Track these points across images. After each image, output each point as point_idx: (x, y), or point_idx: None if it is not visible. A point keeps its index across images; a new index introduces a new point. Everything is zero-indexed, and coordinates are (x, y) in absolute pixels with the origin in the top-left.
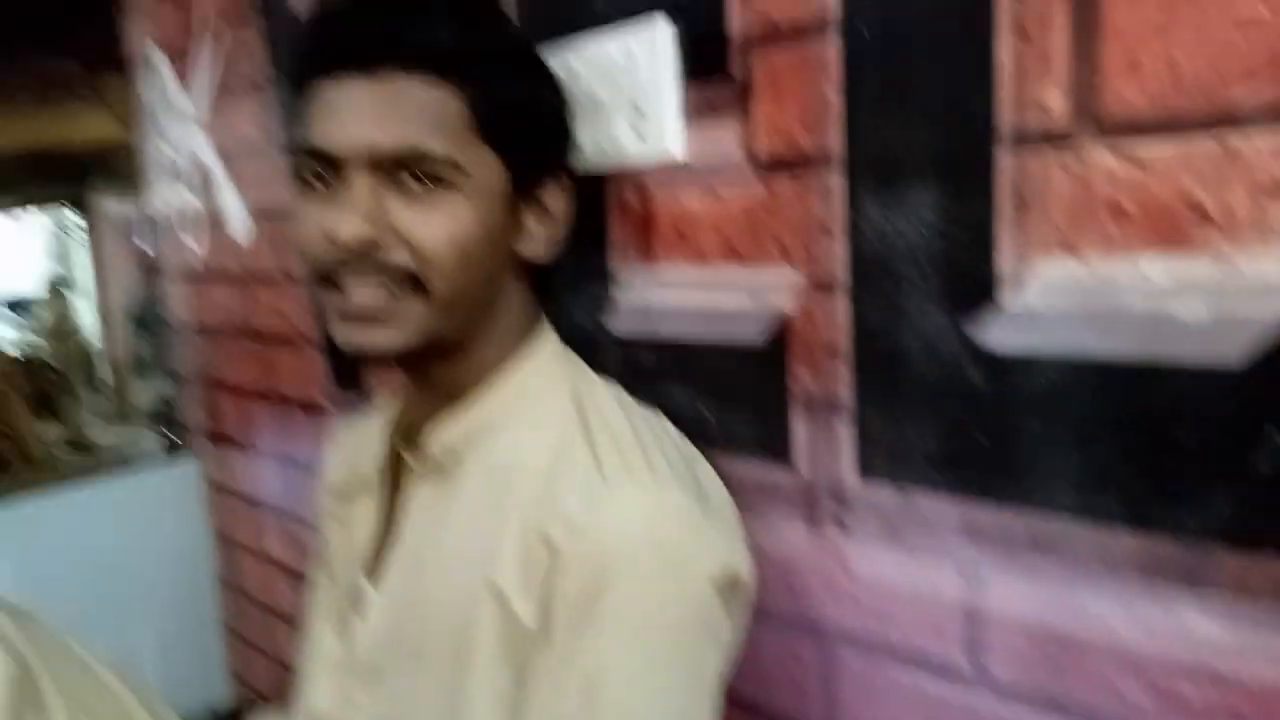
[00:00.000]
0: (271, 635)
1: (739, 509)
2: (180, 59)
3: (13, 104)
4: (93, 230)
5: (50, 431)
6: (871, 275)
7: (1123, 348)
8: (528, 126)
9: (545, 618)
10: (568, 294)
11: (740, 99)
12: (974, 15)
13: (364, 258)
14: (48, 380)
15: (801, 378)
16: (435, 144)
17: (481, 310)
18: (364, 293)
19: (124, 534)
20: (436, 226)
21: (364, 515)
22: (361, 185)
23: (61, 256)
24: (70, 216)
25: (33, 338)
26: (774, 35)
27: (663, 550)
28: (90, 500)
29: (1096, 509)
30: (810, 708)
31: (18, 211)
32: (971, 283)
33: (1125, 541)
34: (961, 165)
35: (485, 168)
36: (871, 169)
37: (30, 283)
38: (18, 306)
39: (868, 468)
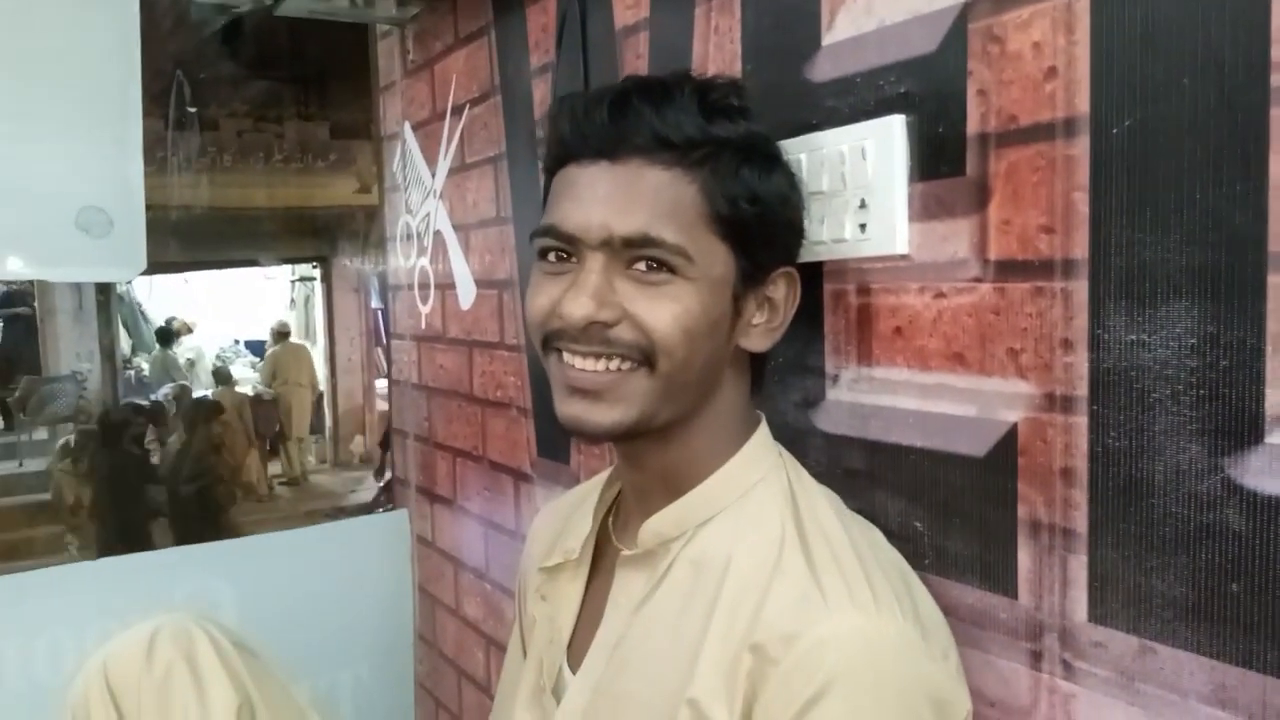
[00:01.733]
0: (460, 696)
1: (956, 639)
2: (427, 133)
3: (272, 166)
4: (329, 287)
5: (271, 468)
6: (1116, 395)
7: None
8: (758, 221)
9: None
10: (780, 388)
11: (975, 197)
12: (1243, 122)
13: (594, 336)
14: (274, 421)
15: (1030, 501)
16: (668, 232)
17: (701, 397)
18: (588, 365)
19: (333, 578)
20: (664, 310)
21: (569, 594)
22: (595, 266)
23: (300, 309)
24: (310, 272)
25: (262, 382)
26: (1015, 133)
27: (882, 677)
28: (306, 542)
29: None
30: None
31: (270, 265)
32: (1235, 414)
33: None
34: (1226, 285)
35: (714, 258)
36: (1120, 279)
37: (269, 330)
38: (257, 350)
39: (1101, 609)
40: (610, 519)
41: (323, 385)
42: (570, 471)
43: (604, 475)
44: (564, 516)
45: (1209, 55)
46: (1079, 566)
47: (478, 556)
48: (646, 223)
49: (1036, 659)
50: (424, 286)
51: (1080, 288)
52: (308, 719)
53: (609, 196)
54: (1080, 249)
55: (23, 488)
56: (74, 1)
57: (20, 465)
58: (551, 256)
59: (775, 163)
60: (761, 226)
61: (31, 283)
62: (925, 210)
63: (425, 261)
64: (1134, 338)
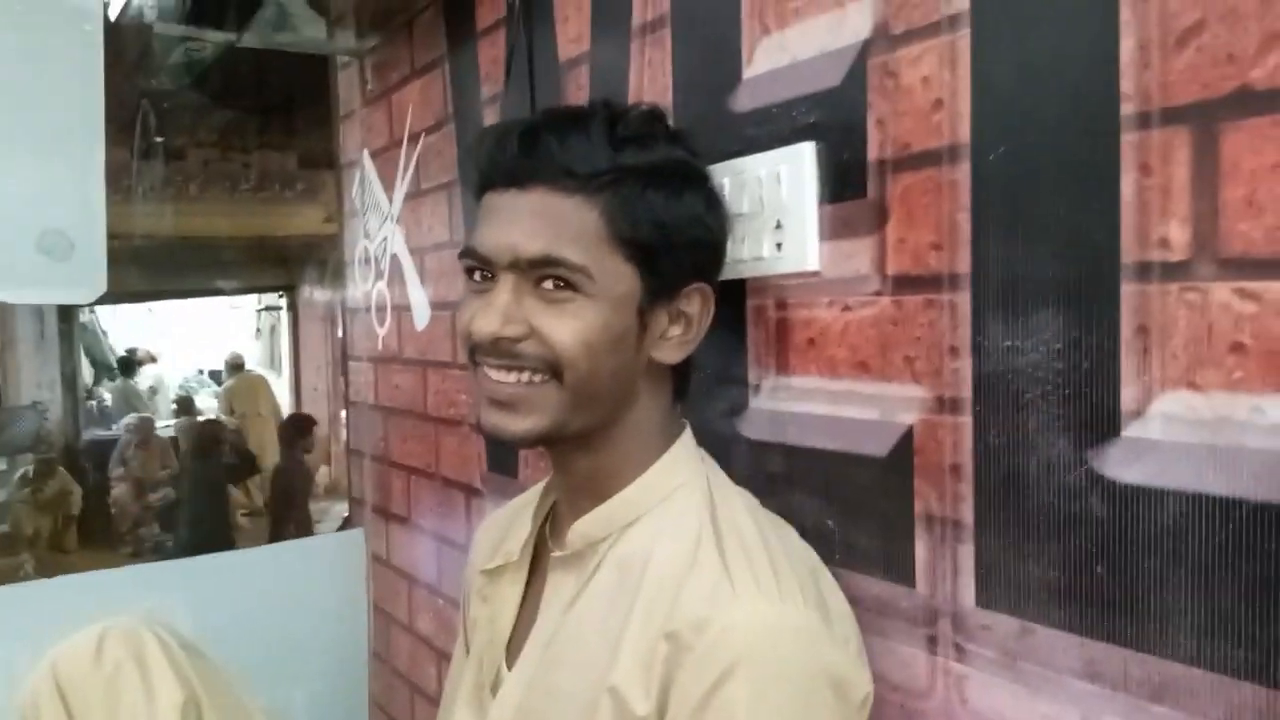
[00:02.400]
0: (412, 711)
1: (861, 627)
2: (385, 160)
3: (239, 195)
4: (295, 315)
5: (240, 498)
6: (995, 397)
7: (1243, 486)
8: (663, 242)
9: (660, 709)
10: (706, 397)
11: (875, 218)
12: (1098, 148)
13: (504, 349)
14: (243, 449)
15: (925, 496)
16: (569, 253)
17: (616, 405)
18: (501, 378)
19: (289, 597)
20: (566, 326)
21: (508, 596)
22: (505, 285)
23: (266, 338)
24: (276, 301)
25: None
26: (909, 159)
27: (783, 659)
28: (262, 561)
29: (1217, 657)
30: None
31: (235, 295)
32: (1095, 411)
33: (1249, 694)
34: (1086, 294)
35: (617, 276)
36: (998, 291)
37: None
38: (233, 371)
39: (987, 594)
40: (547, 524)
41: (287, 415)
42: (519, 485)
43: (542, 485)
44: (505, 523)
45: (1070, 87)
46: (967, 555)
47: (430, 572)
48: (549, 244)
49: (932, 643)
50: (381, 309)
51: (964, 299)
52: (254, 718)
53: (517, 221)
54: (964, 264)
55: None
56: (38, 28)
57: None
58: (476, 276)
59: (688, 185)
60: (667, 247)
61: None
62: (833, 230)
63: (382, 284)
64: (1009, 344)
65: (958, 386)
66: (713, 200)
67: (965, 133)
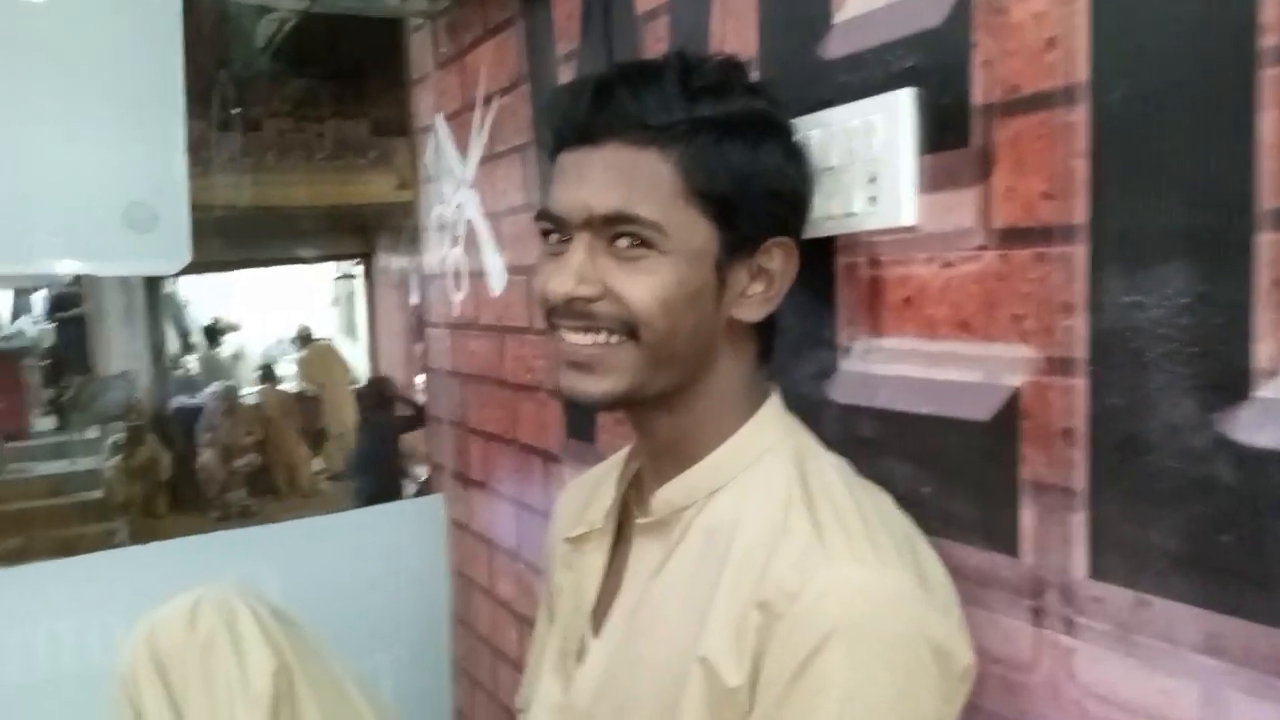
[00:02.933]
0: (495, 675)
1: (961, 597)
2: (459, 124)
3: (314, 165)
4: (371, 283)
5: (316, 463)
6: (1114, 356)
7: None
8: (741, 193)
9: (753, 679)
10: (793, 359)
11: (979, 167)
12: (1233, 85)
13: (578, 310)
14: (319, 418)
15: (1032, 462)
16: (642, 208)
17: (696, 366)
18: (577, 339)
19: (372, 562)
20: (641, 284)
21: (592, 564)
22: (579, 245)
23: (343, 306)
24: (352, 270)
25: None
26: (1018, 103)
27: (882, 626)
28: (346, 527)
29: None
30: None
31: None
32: (1226, 371)
33: None
34: (1217, 244)
35: (692, 231)
36: (1118, 243)
37: (314, 327)
38: (303, 343)
39: (1101, 566)
40: (631, 491)
41: (365, 381)
42: (596, 451)
43: (625, 451)
44: (588, 490)
45: (1200, 21)
46: (1079, 524)
47: (509, 537)
48: (622, 201)
49: (1038, 616)
50: (457, 275)
51: (1080, 252)
52: (343, 687)
53: (589, 178)
54: (1079, 214)
55: (75, 486)
56: (117, 2)
57: (73, 464)
58: (552, 238)
59: (767, 136)
60: (745, 199)
61: (81, 284)
62: (932, 182)
63: (458, 250)
64: (1130, 299)
65: (1071, 346)
66: (794, 151)
67: (1083, 72)
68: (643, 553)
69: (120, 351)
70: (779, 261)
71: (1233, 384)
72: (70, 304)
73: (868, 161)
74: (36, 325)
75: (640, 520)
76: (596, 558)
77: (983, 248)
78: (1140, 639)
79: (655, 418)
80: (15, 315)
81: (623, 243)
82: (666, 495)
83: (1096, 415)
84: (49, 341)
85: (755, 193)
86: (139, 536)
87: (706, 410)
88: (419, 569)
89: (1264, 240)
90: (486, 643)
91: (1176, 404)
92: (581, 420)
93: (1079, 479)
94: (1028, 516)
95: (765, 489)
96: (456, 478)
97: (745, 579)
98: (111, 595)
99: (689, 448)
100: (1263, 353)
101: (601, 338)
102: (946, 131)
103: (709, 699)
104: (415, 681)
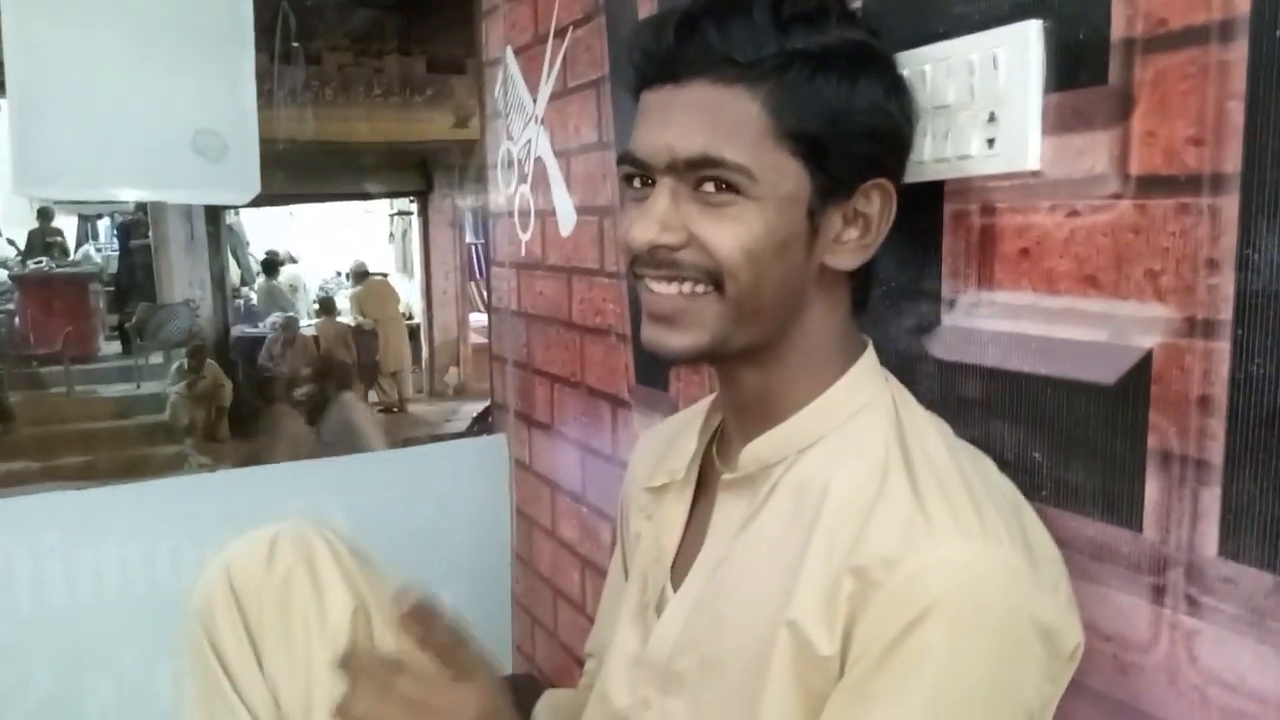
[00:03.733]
0: (555, 614)
1: (1071, 572)
2: (529, 57)
3: (372, 100)
4: (426, 221)
5: (373, 397)
6: (1264, 319)
7: None
8: (834, 133)
9: (845, 649)
10: (890, 313)
11: (1117, 109)
12: None
13: (662, 259)
14: (375, 350)
15: (1162, 431)
16: (728, 151)
17: (785, 318)
18: (661, 289)
19: (435, 498)
20: (727, 231)
21: (672, 515)
22: (663, 190)
23: (398, 242)
24: (408, 207)
25: (360, 314)
26: (1165, 38)
27: (986, 603)
28: (411, 462)
29: None
30: None
31: (371, 199)
32: None
33: None
34: None
35: (782, 175)
36: (1274, 194)
37: (369, 262)
38: (359, 279)
39: (1234, 544)
40: (714, 444)
41: (419, 318)
42: (669, 399)
43: (707, 401)
44: (668, 440)
45: None
46: (1212, 499)
47: (574, 480)
48: (706, 143)
49: (1159, 594)
50: (524, 214)
51: (1230, 204)
52: None
53: (672, 120)
54: (1232, 162)
55: (141, 409)
56: None
57: (138, 388)
58: (635, 183)
59: (866, 69)
60: (839, 140)
61: (146, 214)
62: (1060, 123)
63: (526, 188)
64: None
65: (1215, 306)
66: (896, 86)
67: (1243, 3)
68: (727, 508)
69: (183, 280)
70: (877, 205)
71: None
72: (134, 233)
73: (987, 99)
74: (101, 252)
75: (726, 475)
76: (677, 509)
77: (1117, 196)
78: (1277, 625)
79: (742, 372)
80: (80, 242)
81: (708, 188)
82: (755, 451)
83: (1239, 382)
84: (113, 268)
85: (851, 132)
86: (203, 460)
87: (797, 364)
88: (482, 507)
89: None
90: (548, 582)
91: None
92: (653, 367)
93: (1215, 451)
94: (1153, 489)
95: (860, 449)
96: (520, 418)
97: (839, 543)
98: (180, 521)
99: (778, 403)
100: None
101: (685, 288)
102: (1079, 68)
103: (797, 664)
104: (476, 617)
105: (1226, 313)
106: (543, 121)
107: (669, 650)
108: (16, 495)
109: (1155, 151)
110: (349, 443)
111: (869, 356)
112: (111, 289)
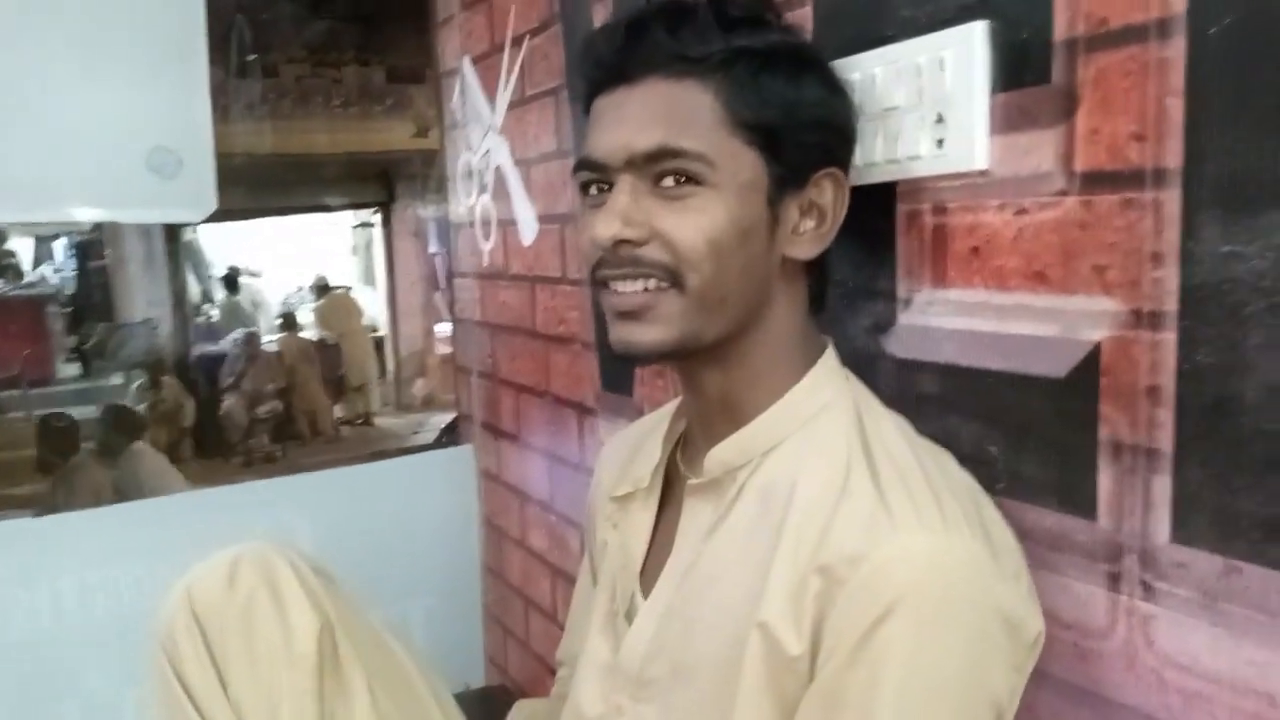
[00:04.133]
0: (527, 624)
1: (1030, 562)
2: (486, 67)
3: (331, 112)
4: (389, 232)
5: (339, 412)
6: (1208, 310)
7: None
8: (786, 121)
9: (814, 648)
10: (848, 313)
11: (1061, 107)
12: None
13: (625, 257)
14: (339, 365)
15: (1112, 421)
16: (686, 141)
17: (748, 312)
18: (625, 286)
19: (403, 511)
20: (689, 223)
21: (639, 523)
22: (622, 188)
23: (361, 254)
24: (371, 218)
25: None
26: (1105, 37)
27: (950, 595)
28: (377, 477)
29: None
30: None
31: (331, 211)
32: None
33: None
34: None
35: (739, 163)
36: (1216, 189)
37: (331, 276)
38: (320, 293)
39: (1186, 530)
40: (678, 450)
41: (384, 330)
42: (633, 404)
43: (671, 406)
44: (632, 446)
45: None
46: (1163, 487)
47: (542, 489)
48: (664, 135)
49: (1115, 581)
50: (485, 223)
51: (1172, 198)
52: (384, 642)
53: (628, 117)
54: (1174, 157)
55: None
56: None
57: (98, 410)
58: (592, 190)
59: (807, 69)
60: (791, 128)
61: (102, 232)
62: (1007, 122)
63: (486, 198)
64: (1229, 249)
65: (1160, 299)
66: (834, 84)
67: (1179, 2)
68: (694, 513)
69: (142, 299)
70: (830, 195)
71: None
72: (91, 251)
73: (936, 101)
74: (58, 272)
75: (692, 480)
76: (644, 516)
77: (1063, 193)
78: (1229, 607)
79: (706, 372)
80: (37, 262)
81: (668, 182)
82: (720, 455)
83: (1186, 373)
84: (70, 289)
85: (801, 121)
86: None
87: (760, 363)
88: (450, 518)
89: None
90: (519, 592)
91: (1277, 362)
92: (618, 373)
93: (1164, 440)
94: (1106, 478)
95: (823, 449)
96: (486, 429)
97: (805, 542)
98: (141, 545)
99: (742, 404)
100: None
101: (651, 284)
102: (1024, 68)
103: (769, 666)
104: (447, 630)
105: (1172, 305)
106: (501, 131)
107: (640, 657)
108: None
109: (1099, 148)
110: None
111: (829, 356)
112: (69, 310)
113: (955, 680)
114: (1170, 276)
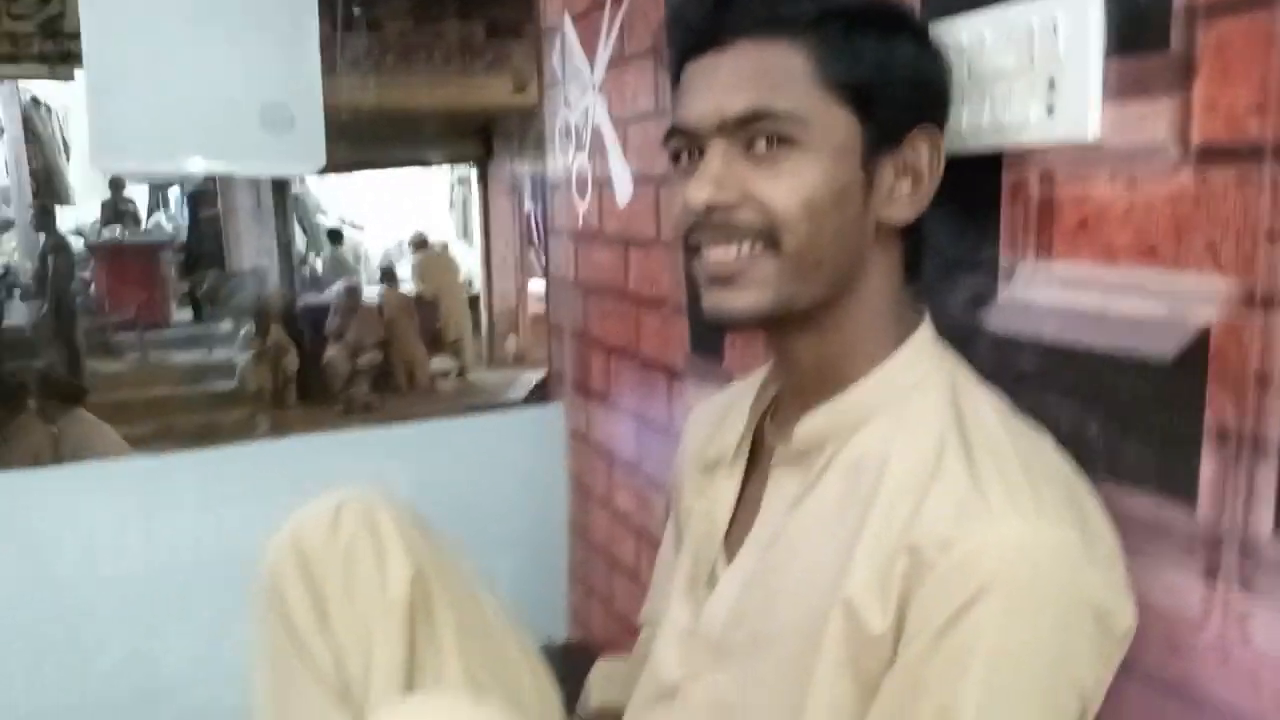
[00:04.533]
0: (610, 584)
1: (1125, 551)
2: (587, 24)
3: (432, 67)
4: (485, 188)
5: (435, 365)
6: None
7: None
8: (879, 80)
9: (898, 628)
10: (947, 286)
11: (1178, 75)
12: None
13: (718, 222)
14: (436, 320)
15: (1219, 406)
16: (778, 101)
17: (842, 277)
18: (718, 252)
19: (492, 466)
20: (783, 185)
21: (724, 490)
22: (714, 153)
23: (459, 210)
24: (468, 174)
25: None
26: (1228, 3)
27: (1040, 584)
28: (468, 431)
29: None
30: None
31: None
32: None
33: None
34: None
35: (832, 122)
36: None
37: (430, 232)
38: (419, 248)
39: None
40: (767, 419)
41: (478, 286)
42: (723, 369)
43: (761, 374)
44: (721, 413)
45: None
46: (1268, 477)
47: (629, 451)
48: (755, 97)
49: (1212, 572)
50: (581, 183)
51: None
52: (475, 592)
53: (719, 82)
54: None
55: (211, 375)
56: None
57: (209, 354)
58: (683, 159)
59: (899, 28)
60: (884, 86)
61: (215, 184)
62: (1120, 89)
63: (583, 157)
64: None
65: (1275, 280)
66: (926, 43)
67: None
68: (781, 483)
69: (250, 248)
70: (926, 155)
71: None
72: (205, 203)
73: (1047, 65)
74: (172, 221)
75: (780, 450)
76: (729, 484)
77: (1178, 166)
78: None
79: (799, 340)
80: (151, 211)
81: (760, 145)
82: (810, 425)
83: None
84: (184, 237)
85: (894, 79)
86: (272, 425)
87: (854, 331)
88: (538, 476)
89: None
90: (603, 551)
91: None
92: (708, 336)
93: (1274, 427)
94: (1209, 466)
95: (917, 427)
96: (576, 388)
97: (894, 520)
98: (249, 486)
99: (835, 374)
100: None
101: (744, 248)
102: (1141, 33)
103: (850, 643)
104: (532, 585)
105: None
106: (600, 89)
107: (720, 624)
108: (98, 461)
109: (1217, 120)
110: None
111: (926, 327)
112: (182, 257)
113: (1042, 669)
114: None
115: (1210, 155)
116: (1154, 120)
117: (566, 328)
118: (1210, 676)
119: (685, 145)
